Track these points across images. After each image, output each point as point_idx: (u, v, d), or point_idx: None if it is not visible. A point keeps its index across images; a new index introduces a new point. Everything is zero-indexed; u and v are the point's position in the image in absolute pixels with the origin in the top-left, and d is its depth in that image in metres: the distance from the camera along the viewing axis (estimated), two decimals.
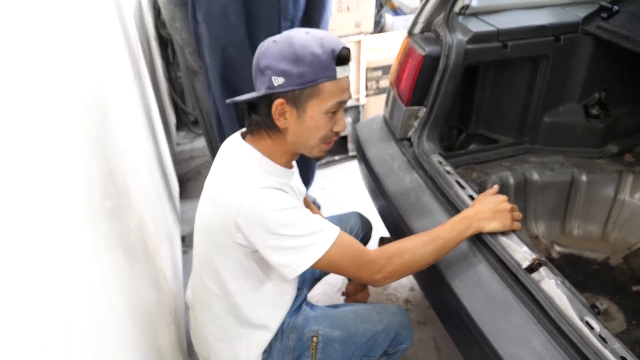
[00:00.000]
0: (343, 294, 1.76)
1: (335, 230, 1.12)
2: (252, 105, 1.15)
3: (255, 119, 1.15)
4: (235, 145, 1.19)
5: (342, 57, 1.07)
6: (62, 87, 0.80)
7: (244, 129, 1.23)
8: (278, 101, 1.07)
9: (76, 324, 0.64)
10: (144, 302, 1.10)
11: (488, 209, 1.23)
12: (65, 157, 0.74)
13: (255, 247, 1.11)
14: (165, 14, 2.38)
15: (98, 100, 1.06)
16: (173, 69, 3.06)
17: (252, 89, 1.15)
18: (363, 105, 2.80)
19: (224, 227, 1.10)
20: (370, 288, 2.04)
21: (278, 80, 1.05)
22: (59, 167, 0.71)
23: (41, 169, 0.64)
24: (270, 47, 1.07)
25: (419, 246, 1.16)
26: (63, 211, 0.69)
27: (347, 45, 1.09)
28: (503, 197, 1.26)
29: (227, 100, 1.18)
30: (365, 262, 1.14)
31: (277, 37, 1.10)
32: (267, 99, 1.09)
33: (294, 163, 1.30)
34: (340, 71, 1.07)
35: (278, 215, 1.07)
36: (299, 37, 1.07)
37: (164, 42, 2.92)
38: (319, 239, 1.09)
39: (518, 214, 1.27)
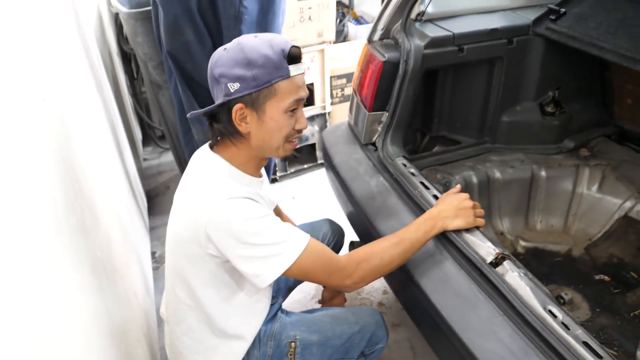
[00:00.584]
0: (319, 301, 1.77)
1: (305, 238, 1.13)
2: (213, 115, 1.16)
3: (218, 128, 1.16)
4: (203, 157, 1.20)
5: (293, 56, 1.09)
6: (25, 105, 0.80)
7: (210, 142, 1.23)
8: (237, 106, 1.09)
9: (41, 341, 0.64)
10: (112, 318, 1.09)
11: (451, 208, 1.27)
12: (28, 174, 0.74)
13: (226, 257, 1.11)
14: (127, 29, 2.37)
15: (61, 117, 1.05)
16: (137, 84, 3.03)
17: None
18: (329, 113, 2.83)
19: (195, 238, 1.10)
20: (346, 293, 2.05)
21: (234, 86, 1.07)
22: (23, 183, 0.70)
23: (4, 185, 0.63)
24: (222, 56, 1.09)
25: (386, 249, 1.19)
26: (26, 227, 0.68)
27: (297, 44, 1.11)
28: (465, 196, 1.30)
29: (188, 115, 1.19)
30: (336, 269, 1.16)
31: (227, 45, 1.12)
32: (227, 106, 1.11)
33: (264, 172, 1.31)
34: (293, 69, 1.10)
35: (248, 225, 1.07)
36: (248, 41, 1.09)
37: (127, 57, 2.90)
38: (289, 247, 1.10)
39: (480, 211, 1.31)
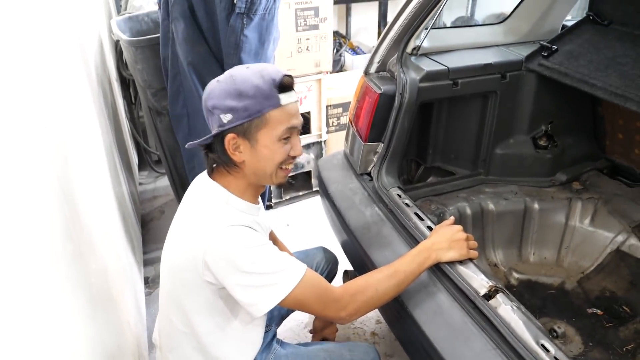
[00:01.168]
0: (310, 331, 1.76)
1: (301, 268, 1.13)
2: (208, 145, 1.19)
3: (212, 158, 1.18)
4: (202, 184, 1.21)
5: (284, 85, 1.11)
6: (23, 130, 0.81)
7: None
8: (229, 136, 1.11)
9: None
10: (106, 346, 1.08)
11: (444, 240, 1.28)
12: (27, 200, 0.75)
13: (223, 285, 1.11)
14: (127, 56, 2.41)
15: (61, 145, 1.07)
16: (135, 109, 3.06)
17: None
18: (325, 141, 2.86)
19: (192, 265, 1.10)
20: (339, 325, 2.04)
21: (226, 117, 1.09)
22: (23, 212, 0.71)
23: (7, 213, 0.64)
24: (215, 88, 1.12)
25: (381, 281, 1.19)
26: (25, 253, 0.69)
27: (289, 73, 1.14)
28: (458, 227, 1.32)
29: (187, 145, 1.21)
30: (331, 300, 1.15)
31: (220, 77, 1.14)
32: (220, 137, 1.13)
33: (259, 199, 1.33)
34: (284, 98, 1.12)
35: (246, 253, 1.08)
36: (240, 73, 1.12)
37: (126, 83, 2.93)
38: (285, 277, 1.10)
39: (473, 243, 1.32)
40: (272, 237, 1.53)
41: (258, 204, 1.27)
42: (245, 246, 1.08)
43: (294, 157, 1.20)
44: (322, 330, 1.71)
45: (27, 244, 0.71)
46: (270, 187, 2.61)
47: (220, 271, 1.08)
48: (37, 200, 0.80)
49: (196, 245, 1.09)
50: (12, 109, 0.78)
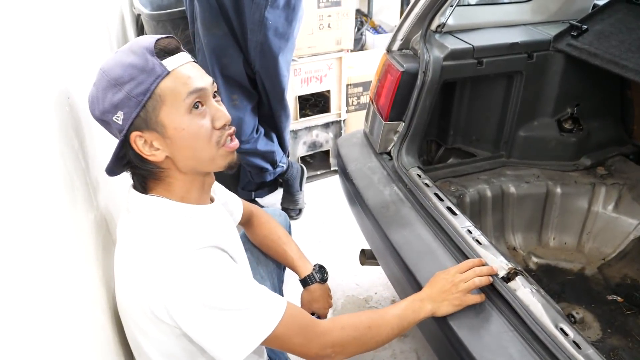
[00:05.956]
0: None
1: (282, 303, 0.96)
2: (128, 162, 0.96)
3: (139, 173, 0.97)
4: (137, 203, 0.98)
5: (163, 47, 0.90)
6: (50, 103, 0.82)
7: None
8: (133, 135, 0.90)
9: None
10: None
11: (437, 291, 1.15)
12: (40, 171, 0.75)
13: (187, 333, 0.91)
14: (147, 30, 2.41)
15: (84, 112, 1.07)
16: None
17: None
18: (344, 121, 2.84)
19: (148, 308, 0.89)
20: (352, 299, 2.05)
21: (119, 117, 0.89)
22: (33, 184, 0.72)
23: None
24: (92, 92, 0.92)
25: (374, 320, 1.07)
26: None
27: (170, 35, 0.94)
28: (453, 273, 1.17)
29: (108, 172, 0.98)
30: (316, 335, 1.00)
31: (94, 79, 0.93)
32: (127, 143, 0.92)
33: (218, 189, 1.17)
34: (170, 62, 0.90)
35: (213, 289, 0.89)
36: (107, 62, 0.92)
37: None
38: (265, 313, 0.93)
39: (481, 279, 1.16)
40: (247, 215, 1.39)
41: (212, 201, 1.09)
42: (209, 280, 0.88)
43: (224, 127, 0.97)
44: (311, 304, 1.45)
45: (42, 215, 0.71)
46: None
47: (184, 318, 0.88)
48: (48, 169, 0.79)
49: (150, 287, 0.88)
50: (38, 80, 0.78)
